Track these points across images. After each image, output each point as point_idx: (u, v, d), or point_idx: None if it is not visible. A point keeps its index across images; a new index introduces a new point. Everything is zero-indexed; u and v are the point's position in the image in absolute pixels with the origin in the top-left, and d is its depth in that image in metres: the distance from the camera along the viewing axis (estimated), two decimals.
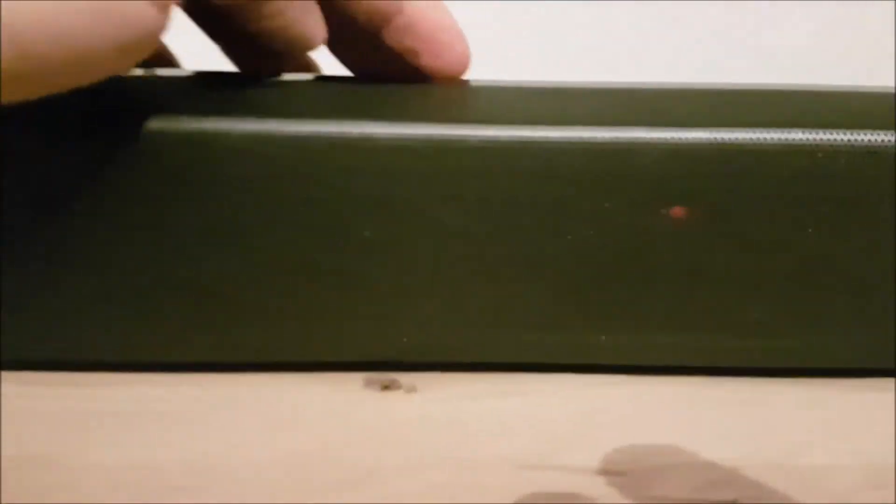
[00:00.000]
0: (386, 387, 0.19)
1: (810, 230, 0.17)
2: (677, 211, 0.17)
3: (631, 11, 0.38)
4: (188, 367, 0.19)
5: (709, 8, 0.39)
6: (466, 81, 0.21)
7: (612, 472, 0.16)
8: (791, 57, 0.39)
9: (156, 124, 0.16)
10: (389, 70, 0.20)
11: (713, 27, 0.39)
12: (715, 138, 0.17)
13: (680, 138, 0.17)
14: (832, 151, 0.17)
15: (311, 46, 0.19)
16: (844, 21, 0.39)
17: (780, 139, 0.17)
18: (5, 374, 0.18)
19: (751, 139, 0.17)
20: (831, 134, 0.17)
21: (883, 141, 0.17)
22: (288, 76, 0.20)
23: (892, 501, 0.15)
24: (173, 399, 0.18)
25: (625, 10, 0.38)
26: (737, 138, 0.17)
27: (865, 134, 0.17)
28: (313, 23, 0.18)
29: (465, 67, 0.20)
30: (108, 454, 0.16)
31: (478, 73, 0.20)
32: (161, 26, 0.14)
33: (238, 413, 0.18)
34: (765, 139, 0.17)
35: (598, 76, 0.21)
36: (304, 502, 0.15)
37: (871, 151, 0.17)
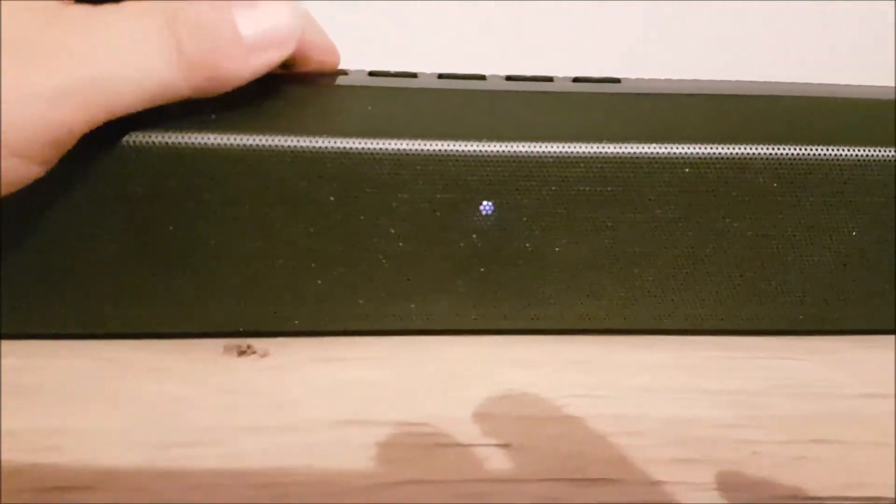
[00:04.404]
0: (242, 352, 0.20)
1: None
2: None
3: (629, 10, 0.38)
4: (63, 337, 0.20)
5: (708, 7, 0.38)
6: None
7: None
8: (791, 57, 0.39)
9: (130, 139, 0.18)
10: None
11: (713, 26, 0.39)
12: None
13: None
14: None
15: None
16: (844, 21, 0.39)
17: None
18: None
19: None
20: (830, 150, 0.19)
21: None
22: None
23: None
24: (43, 369, 0.19)
25: (623, 8, 0.38)
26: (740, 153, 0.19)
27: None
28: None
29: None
30: None
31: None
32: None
33: (102, 377, 0.19)
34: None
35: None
36: (146, 461, 0.17)
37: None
